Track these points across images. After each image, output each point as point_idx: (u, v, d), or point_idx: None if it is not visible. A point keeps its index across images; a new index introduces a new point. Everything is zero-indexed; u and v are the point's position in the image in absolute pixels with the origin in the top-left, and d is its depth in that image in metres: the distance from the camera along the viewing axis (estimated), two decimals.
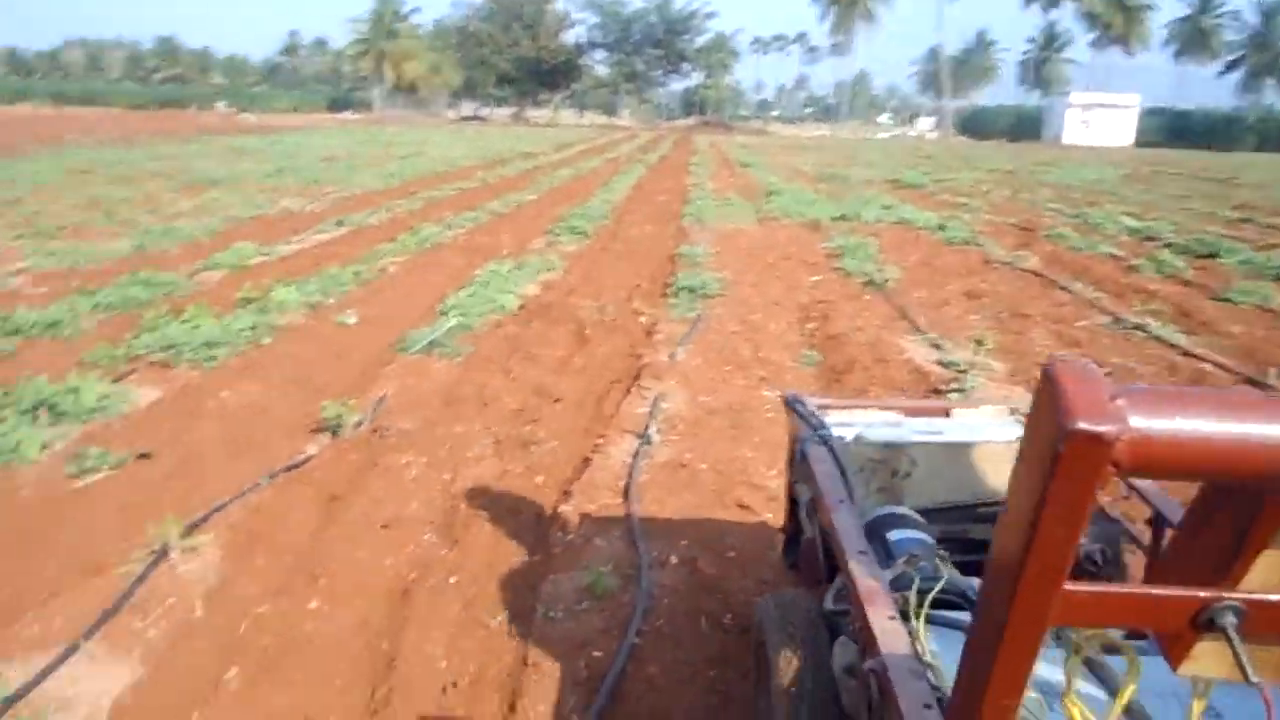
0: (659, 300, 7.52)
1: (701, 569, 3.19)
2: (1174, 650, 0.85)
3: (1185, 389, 0.71)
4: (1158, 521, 1.80)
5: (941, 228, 11.83)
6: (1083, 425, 0.63)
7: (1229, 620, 0.78)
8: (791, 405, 2.31)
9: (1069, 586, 0.77)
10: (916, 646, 1.06)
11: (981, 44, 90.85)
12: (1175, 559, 0.99)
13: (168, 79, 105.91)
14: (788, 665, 1.85)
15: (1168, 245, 10.93)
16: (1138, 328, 6.76)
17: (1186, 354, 6.13)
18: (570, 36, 77.48)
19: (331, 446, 4.29)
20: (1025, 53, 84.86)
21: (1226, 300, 7.92)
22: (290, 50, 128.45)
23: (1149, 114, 63.34)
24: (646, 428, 4.40)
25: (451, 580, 3.13)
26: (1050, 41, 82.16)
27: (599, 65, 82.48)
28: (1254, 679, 0.80)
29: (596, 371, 5.69)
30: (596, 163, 24.86)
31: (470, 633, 2.85)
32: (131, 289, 7.01)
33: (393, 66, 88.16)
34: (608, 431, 4.46)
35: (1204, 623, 0.80)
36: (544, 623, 2.90)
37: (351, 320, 6.62)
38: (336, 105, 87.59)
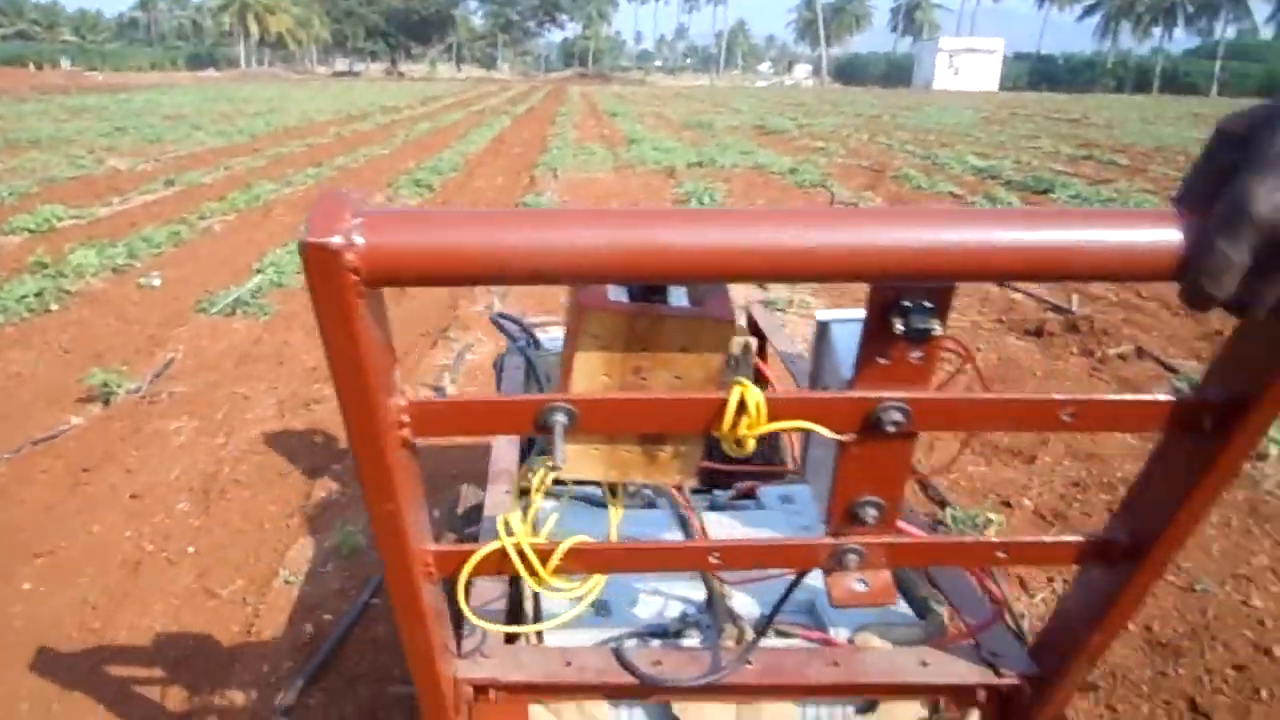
0: None
1: None
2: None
3: (431, 211, 0.79)
4: None
5: (793, 171, 11.90)
6: (313, 239, 0.68)
7: (559, 419, 0.90)
8: (495, 321, 2.26)
9: (402, 402, 0.87)
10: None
11: None
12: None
13: (9, 36, 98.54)
14: None
15: (1006, 183, 11.25)
16: None
17: (1000, 284, 6.29)
18: None
19: (98, 416, 3.99)
20: None
21: None
22: (147, 4, 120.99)
23: (1014, 59, 65.54)
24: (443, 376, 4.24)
25: (190, 549, 2.92)
26: None
27: (474, 16, 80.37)
28: (561, 465, 0.92)
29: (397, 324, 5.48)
30: (459, 115, 24.19)
31: (197, 604, 2.66)
32: None
33: (257, 20, 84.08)
34: None
35: (540, 424, 0.91)
36: (281, 588, 2.74)
37: (156, 282, 6.21)
38: (198, 63, 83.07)
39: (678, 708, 1.29)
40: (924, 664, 1.24)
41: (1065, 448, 3.68)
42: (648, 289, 1.07)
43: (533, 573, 1.07)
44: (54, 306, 5.60)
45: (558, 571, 1.08)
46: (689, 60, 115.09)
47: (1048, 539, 1.09)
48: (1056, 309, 5.61)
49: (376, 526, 0.95)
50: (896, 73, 68.77)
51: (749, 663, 1.25)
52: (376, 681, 2.30)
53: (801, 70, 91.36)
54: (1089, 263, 0.76)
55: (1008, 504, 3.20)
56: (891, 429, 0.94)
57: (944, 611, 1.36)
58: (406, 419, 0.88)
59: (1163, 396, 0.91)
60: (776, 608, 1.29)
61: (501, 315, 2.24)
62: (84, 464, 3.53)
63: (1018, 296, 6.00)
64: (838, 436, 0.97)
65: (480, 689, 1.25)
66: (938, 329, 0.88)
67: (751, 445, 0.96)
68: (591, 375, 1.05)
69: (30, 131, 16.33)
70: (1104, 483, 3.34)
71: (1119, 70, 70.32)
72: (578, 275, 0.79)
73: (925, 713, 1.30)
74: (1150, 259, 0.75)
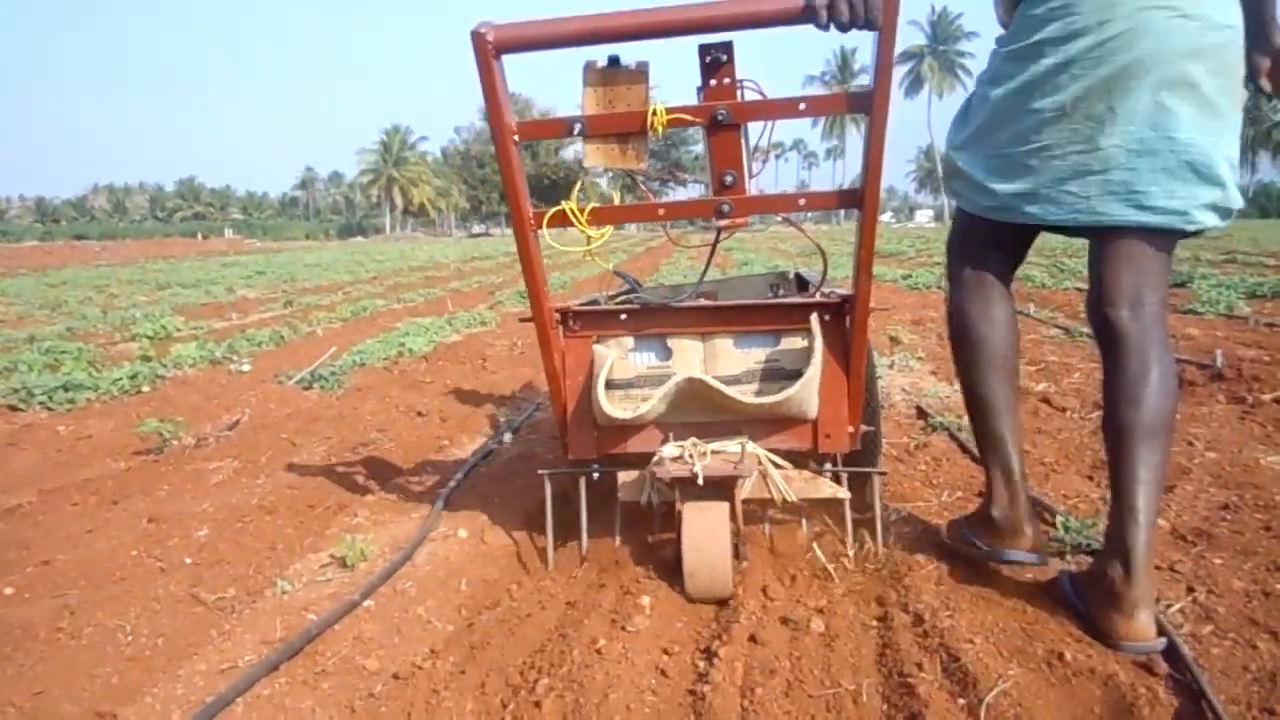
0: None
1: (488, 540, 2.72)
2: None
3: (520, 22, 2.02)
4: None
5: (906, 277, 11.50)
6: (474, 30, 1.95)
7: (578, 128, 2.14)
8: (616, 272, 3.03)
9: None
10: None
11: None
12: None
13: (188, 217, 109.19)
14: None
15: None
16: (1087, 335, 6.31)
17: None
18: (570, 153, 79.49)
19: (145, 460, 3.86)
20: None
21: (1190, 312, 7.47)
22: (306, 184, 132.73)
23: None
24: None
25: (187, 560, 2.66)
26: None
27: (600, 180, 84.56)
28: (583, 157, 2.19)
29: (474, 393, 5.28)
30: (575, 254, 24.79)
31: (179, 609, 2.36)
32: (28, 356, 6.71)
33: (401, 193, 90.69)
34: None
35: (571, 130, 2.16)
36: (272, 596, 2.43)
37: (245, 367, 6.26)
38: (348, 232, 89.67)
39: (671, 341, 2.49)
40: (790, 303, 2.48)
41: (1212, 477, 3.07)
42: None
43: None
44: (145, 388, 5.65)
45: (591, 222, 2.27)
46: (809, 215, 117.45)
47: (825, 191, 2.31)
48: (1199, 365, 4.95)
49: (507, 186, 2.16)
50: None
51: (697, 305, 2.52)
52: (347, 674, 1.93)
53: (923, 215, 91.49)
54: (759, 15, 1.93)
55: None
56: (722, 118, 2.14)
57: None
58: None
59: None
60: (709, 259, 2.68)
61: (618, 272, 2.99)
62: (116, 497, 3.37)
63: None
64: (702, 123, 2.16)
65: (564, 318, 2.51)
66: (724, 58, 2.13)
67: (661, 130, 2.12)
68: (592, 104, 2.16)
69: (182, 278, 17.56)
70: (1259, 504, 2.72)
71: (1262, 200, 67.52)
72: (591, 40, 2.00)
73: (806, 342, 2.42)
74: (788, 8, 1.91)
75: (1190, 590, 2.17)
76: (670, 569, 2.49)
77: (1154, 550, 2.44)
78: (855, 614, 2.12)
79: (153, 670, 2.03)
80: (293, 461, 3.79)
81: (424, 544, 2.73)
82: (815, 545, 2.44)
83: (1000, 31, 2.18)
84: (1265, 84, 2.15)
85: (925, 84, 74.65)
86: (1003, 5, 2.16)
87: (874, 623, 2.09)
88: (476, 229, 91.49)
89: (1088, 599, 2.02)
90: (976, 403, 2.23)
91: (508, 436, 4.06)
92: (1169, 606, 2.10)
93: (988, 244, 2.23)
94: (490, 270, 18.21)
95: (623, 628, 2.04)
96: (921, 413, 4.17)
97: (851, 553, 2.47)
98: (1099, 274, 2.08)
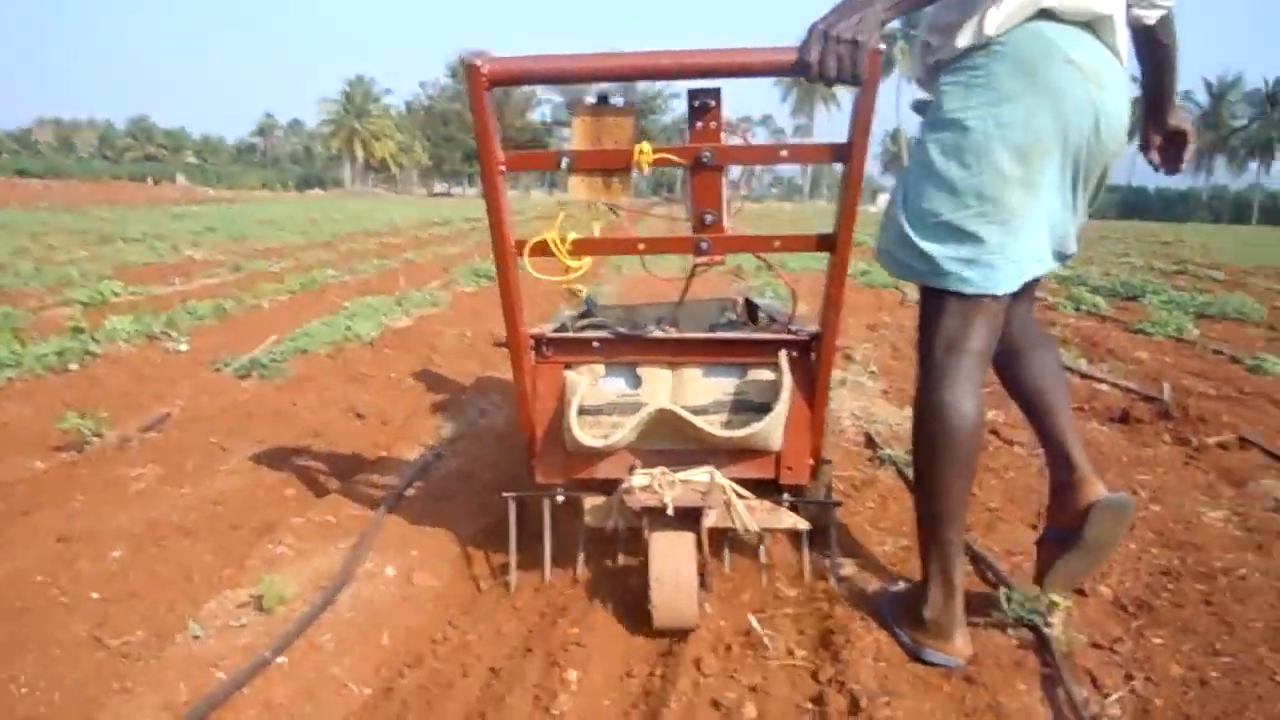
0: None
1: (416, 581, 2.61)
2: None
3: (511, 58, 2.02)
4: None
5: (865, 273, 11.48)
6: (467, 61, 1.92)
7: (565, 162, 2.19)
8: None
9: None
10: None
11: None
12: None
13: (139, 158, 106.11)
14: None
15: (1094, 289, 10.61)
16: None
17: (1084, 376, 5.67)
18: (536, 115, 78.55)
19: (61, 463, 3.68)
20: None
21: (1140, 332, 7.53)
22: (264, 131, 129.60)
23: (1106, 191, 64.73)
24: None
25: (94, 595, 2.51)
26: None
27: (567, 144, 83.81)
28: (567, 189, 2.28)
29: (421, 391, 5.14)
30: (539, 225, 24.48)
31: (78, 655, 2.22)
32: None
33: (364, 145, 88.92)
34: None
35: (558, 164, 2.22)
36: (182, 642, 2.30)
37: (183, 347, 6.04)
38: (307, 183, 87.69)
39: (641, 370, 2.59)
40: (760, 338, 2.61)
41: (1155, 534, 3.06)
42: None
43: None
44: (73, 366, 5.41)
45: (571, 253, 2.35)
46: (774, 189, 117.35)
47: (801, 234, 2.32)
48: (1146, 398, 4.97)
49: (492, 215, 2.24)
50: None
51: (669, 336, 2.62)
52: None
53: (884, 198, 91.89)
54: (751, 65, 1.98)
55: (1081, 591, 2.58)
56: (706, 160, 2.18)
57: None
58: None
59: None
60: (684, 292, 2.94)
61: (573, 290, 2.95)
62: (27, 507, 3.19)
63: (1102, 387, 5.37)
64: (686, 164, 2.21)
65: (537, 345, 2.55)
66: (712, 103, 2.19)
67: (646, 169, 2.18)
68: (580, 138, 2.25)
69: (127, 230, 17.01)
70: (1199, 572, 2.71)
71: (1215, 204, 68.90)
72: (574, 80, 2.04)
73: (774, 375, 2.51)
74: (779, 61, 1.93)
75: (1129, 678, 2.14)
76: (607, 616, 2.41)
77: (1096, 623, 2.42)
78: (789, 695, 2.05)
79: None
80: (220, 469, 3.64)
81: (349, 583, 2.62)
82: (752, 618, 2.36)
83: None
84: (1154, 157, 2.34)
85: (895, 67, 74.75)
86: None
87: (809, 705, 2.02)
88: (438, 188, 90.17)
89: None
90: (933, 505, 2.15)
91: (447, 451, 3.93)
92: (1106, 697, 2.06)
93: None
94: (448, 238, 17.91)
95: (546, 709, 1.95)
96: (870, 441, 4.12)
97: (794, 592, 2.44)
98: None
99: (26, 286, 8.69)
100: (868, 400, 4.86)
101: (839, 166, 2.13)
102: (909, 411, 4.61)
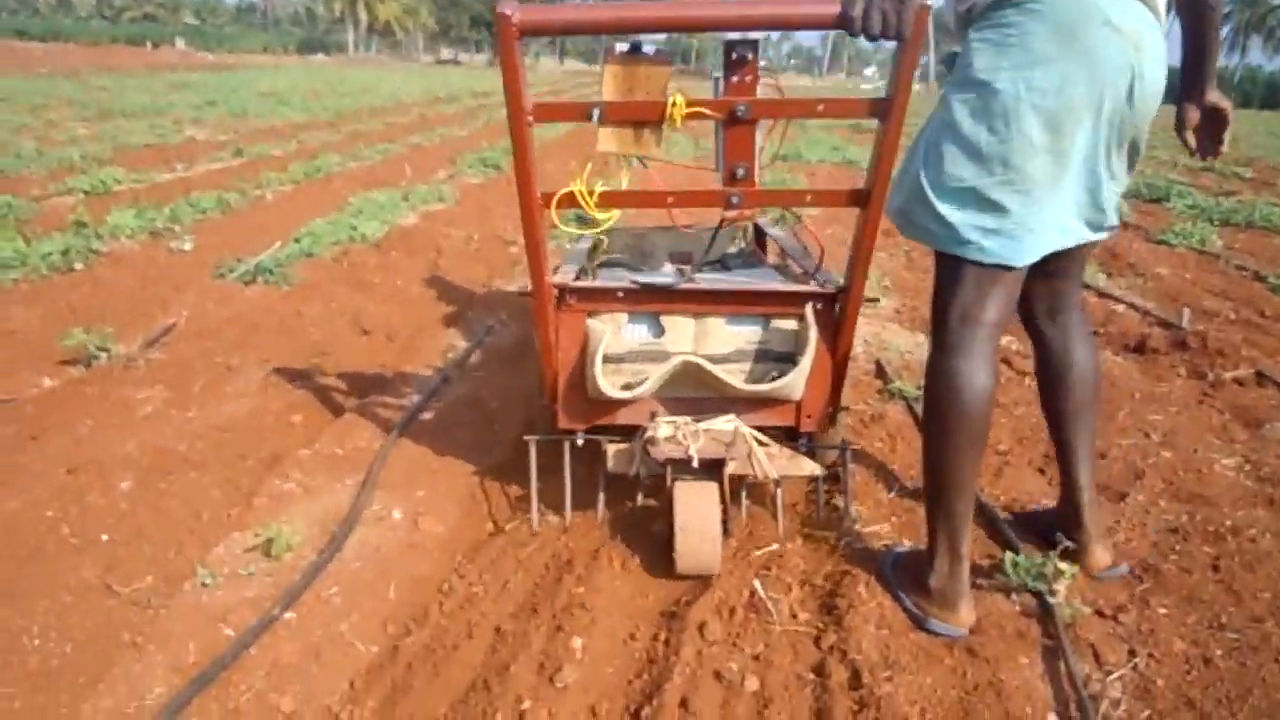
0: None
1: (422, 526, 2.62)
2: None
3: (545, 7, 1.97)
4: None
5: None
6: (499, 10, 1.82)
7: (595, 113, 2.08)
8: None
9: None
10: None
11: None
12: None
13: (137, 18, 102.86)
14: None
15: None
16: None
17: (1102, 295, 5.57)
18: None
19: (70, 380, 3.67)
20: None
21: (1162, 243, 7.36)
22: None
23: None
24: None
25: (104, 537, 2.53)
26: None
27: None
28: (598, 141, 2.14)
29: (430, 301, 5.08)
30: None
31: (90, 603, 2.25)
32: None
33: (366, 8, 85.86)
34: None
35: (588, 116, 2.11)
36: (191, 590, 2.32)
37: (187, 246, 5.95)
38: (309, 48, 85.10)
39: (664, 319, 2.52)
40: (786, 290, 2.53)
41: (1165, 484, 3.03)
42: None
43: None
44: (78, 266, 5.35)
45: (598, 206, 2.23)
46: (793, 61, 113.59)
47: (833, 189, 2.63)
48: (1164, 324, 4.88)
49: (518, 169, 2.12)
50: None
51: (694, 283, 2.54)
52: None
53: (872, 70, 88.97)
54: (791, 18, 1.98)
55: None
56: (741, 114, 2.16)
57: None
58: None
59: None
60: (708, 248, 3.07)
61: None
62: (35, 431, 3.19)
63: (1119, 308, 5.28)
64: (720, 117, 2.18)
65: (561, 294, 2.46)
66: (750, 56, 2.35)
67: (680, 122, 2.11)
68: (611, 88, 2.15)
69: (126, 103, 16.61)
70: (1208, 531, 2.70)
71: (1246, 85, 66.50)
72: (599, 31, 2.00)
73: (796, 325, 2.51)
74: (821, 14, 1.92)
75: (1132, 654, 2.15)
76: (613, 572, 2.43)
77: (1101, 588, 2.42)
78: (791, 665, 2.07)
79: (57, 702, 1.93)
80: (226, 390, 3.62)
81: (355, 527, 2.63)
82: (757, 582, 2.37)
83: None
84: (1190, 138, 2.21)
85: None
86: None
87: (810, 676, 2.04)
88: (445, 54, 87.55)
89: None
90: (942, 476, 2.12)
91: (454, 373, 3.90)
92: (1109, 674, 2.08)
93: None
94: (454, 118, 17.47)
95: (550, 679, 1.97)
96: (881, 370, 4.07)
97: (800, 544, 2.45)
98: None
99: (28, 170, 8.53)
100: (879, 324, 4.78)
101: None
102: (922, 339, 4.57)
